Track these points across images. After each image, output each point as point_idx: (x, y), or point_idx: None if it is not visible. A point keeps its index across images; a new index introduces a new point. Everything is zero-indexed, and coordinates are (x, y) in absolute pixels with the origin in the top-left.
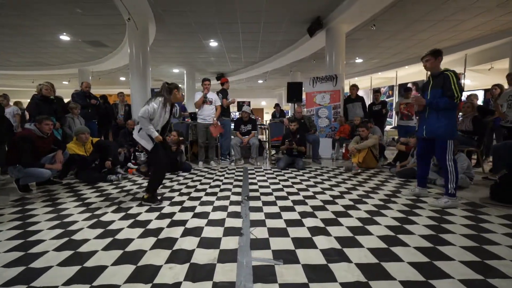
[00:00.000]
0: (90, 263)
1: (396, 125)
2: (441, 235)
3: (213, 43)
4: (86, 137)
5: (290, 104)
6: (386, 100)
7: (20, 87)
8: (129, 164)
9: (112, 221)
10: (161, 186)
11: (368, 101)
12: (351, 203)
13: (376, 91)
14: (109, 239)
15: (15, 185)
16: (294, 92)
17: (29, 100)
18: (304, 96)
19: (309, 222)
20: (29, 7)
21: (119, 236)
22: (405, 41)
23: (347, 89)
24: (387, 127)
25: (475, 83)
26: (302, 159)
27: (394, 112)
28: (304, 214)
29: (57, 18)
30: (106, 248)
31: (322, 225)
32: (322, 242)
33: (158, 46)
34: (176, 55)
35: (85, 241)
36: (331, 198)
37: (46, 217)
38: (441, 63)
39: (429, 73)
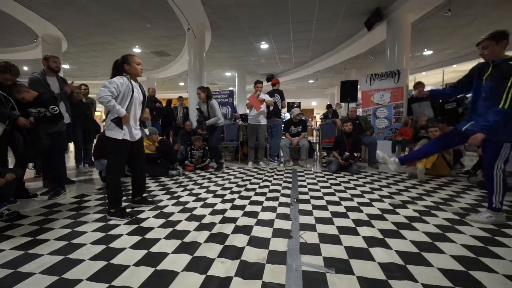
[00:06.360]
0: (154, 249)
1: None
2: None
3: (264, 45)
4: (156, 137)
5: (342, 104)
6: (467, 96)
7: None
8: (186, 162)
9: (172, 213)
10: (213, 184)
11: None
12: (417, 214)
13: None
14: (169, 229)
15: (99, 176)
16: (348, 91)
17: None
18: (359, 95)
19: (365, 231)
20: (111, 27)
21: (178, 227)
22: (493, 25)
23: (411, 86)
24: None
25: None
26: (357, 163)
27: None
28: (359, 222)
29: (131, 33)
30: (168, 237)
31: (380, 236)
32: (380, 255)
33: (212, 52)
34: (229, 59)
35: (151, 229)
36: (391, 207)
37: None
38: (505, 49)
39: None
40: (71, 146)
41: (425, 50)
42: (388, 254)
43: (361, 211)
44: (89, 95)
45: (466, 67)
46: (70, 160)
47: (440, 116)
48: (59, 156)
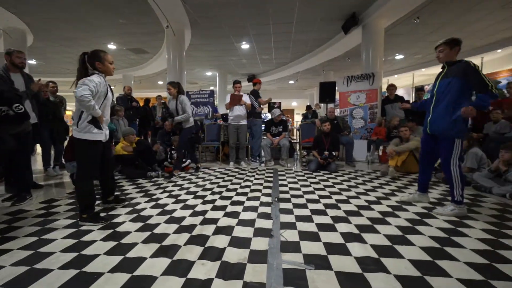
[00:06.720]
0: (131, 254)
1: None
2: (500, 251)
3: (245, 45)
4: (134, 137)
5: (322, 104)
6: None
7: None
8: (166, 163)
9: (151, 216)
10: (193, 184)
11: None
12: (389, 209)
13: (419, 89)
14: (147, 233)
15: (70, 179)
16: (326, 92)
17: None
18: (337, 96)
19: (342, 227)
20: (83, 21)
21: (157, 230)
22: (454, 34)
23: (384, 88)
24: None
25: None
26: (335, 162)
27: None
28: (337, 219)
29: (106, 29)
30: (145, 241)
31: (356, 231)
32: (356, 249)
33: (193, 50)
34: (209, 58)
35: (127, 233)
36: (366, 204)
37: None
38: (457, 55)
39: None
40: (38, 147)
41: (397, 54)
42: (364, 248)
43: (339, 208)
44: (57, 93)
45: (433, 71)
46: (38, 163)
47: (410, 116)
48: (24, 159)
